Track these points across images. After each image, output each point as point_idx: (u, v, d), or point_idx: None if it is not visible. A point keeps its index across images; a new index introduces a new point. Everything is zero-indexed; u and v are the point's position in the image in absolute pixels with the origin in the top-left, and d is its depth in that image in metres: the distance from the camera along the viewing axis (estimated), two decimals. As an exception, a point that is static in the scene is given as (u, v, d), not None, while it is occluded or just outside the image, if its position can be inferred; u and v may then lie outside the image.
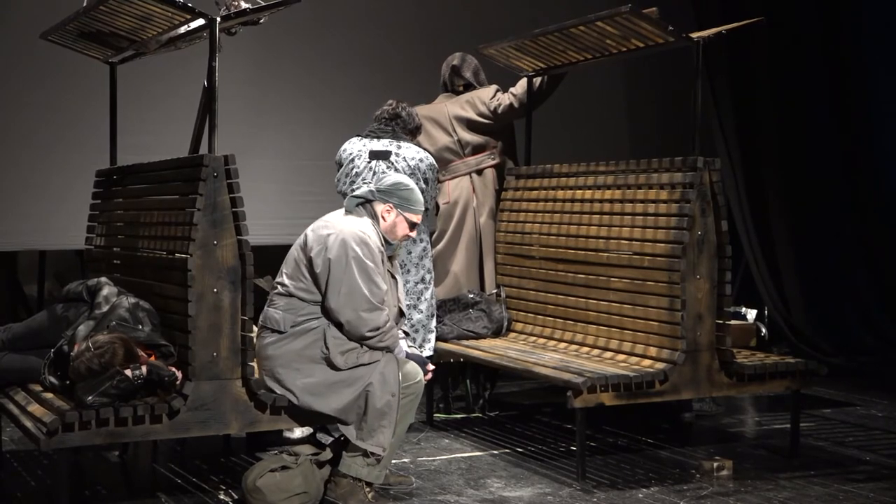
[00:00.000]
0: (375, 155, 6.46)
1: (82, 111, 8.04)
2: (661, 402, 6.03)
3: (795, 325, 9.25)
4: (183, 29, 5.66)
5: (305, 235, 5.37)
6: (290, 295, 5.30)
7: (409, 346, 5.57)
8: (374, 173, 6.39)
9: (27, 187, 8.16)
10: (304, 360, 5.24)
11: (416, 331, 6.59)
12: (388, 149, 6.49)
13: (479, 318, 7.02)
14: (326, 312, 5.27)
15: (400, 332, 5.49)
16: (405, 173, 6.50)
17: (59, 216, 8.09)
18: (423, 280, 6.62)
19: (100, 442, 5.04)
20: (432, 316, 6.70)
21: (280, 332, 5.26)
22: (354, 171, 6.41)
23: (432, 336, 6.68)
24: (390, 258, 5.51)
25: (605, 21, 6.09)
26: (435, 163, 6.69)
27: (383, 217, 5.43)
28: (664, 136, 9.38)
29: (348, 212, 5.43)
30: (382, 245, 5.38)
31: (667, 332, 5.86)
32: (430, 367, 5.60)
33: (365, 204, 5.44)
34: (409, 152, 6.52)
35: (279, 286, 5.34)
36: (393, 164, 6.44)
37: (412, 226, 5.50)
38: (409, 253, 6.59)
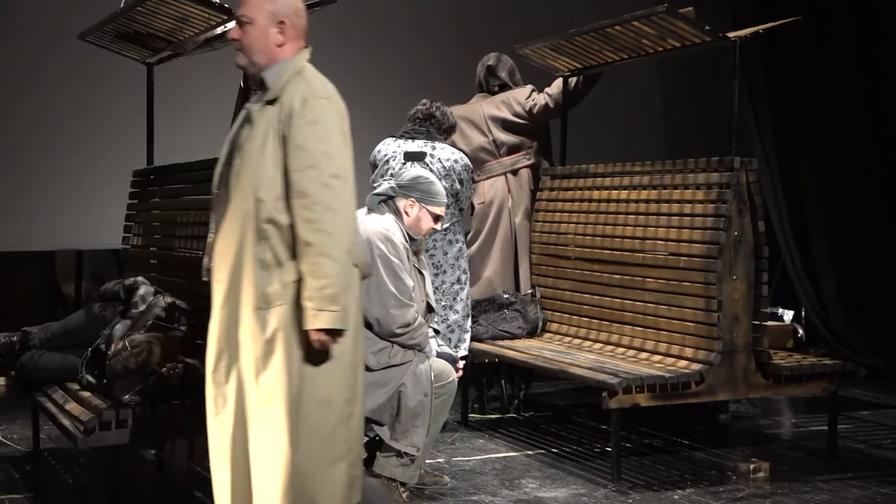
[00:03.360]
0: (410, 156, 6.47)
1: (119, 112, 8.11)
2: (696, 403, 6.01)
3: (833, 326, 9.18)
4: (220, 30, 5.70)
5: None
6: None
7: (440, 345, 5.57)
8: (409, 175, 6.39)
9: (65, 188, 8.23)
10: None
11: (452, 331, 6.59)
12: (423, 150, 6.49)
13: (514, 319, 7.02)
14: None
15: (430, 330, 5.49)
16: (440, 174, 6.50)
17: (96, 216, 8.16)
18: (458, 280, 6.63)
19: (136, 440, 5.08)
20: (468, 316, 6.70)
21: None
22: (389, 172, 6.41)
23: (467, 336, 6.68)
24: (415, 253, 5.51)
25: (642, 21, 6.07)
26: (470, 163, 6.69)
27: (406, 212, 5.44)
28: (700, 135, 9.35)
29: (370, 210, 5.43)
30: (407, 241, 5.38)
31: (703, 333, 5.84)
32: (461, 364, 5.60)
33: (387, 201, 5.45)
34: (444, 153, 6.52)
35: None
36: (428, 165, 6.44)
37: (436, 218, 5.50)
38: (446, 254, 6.59)
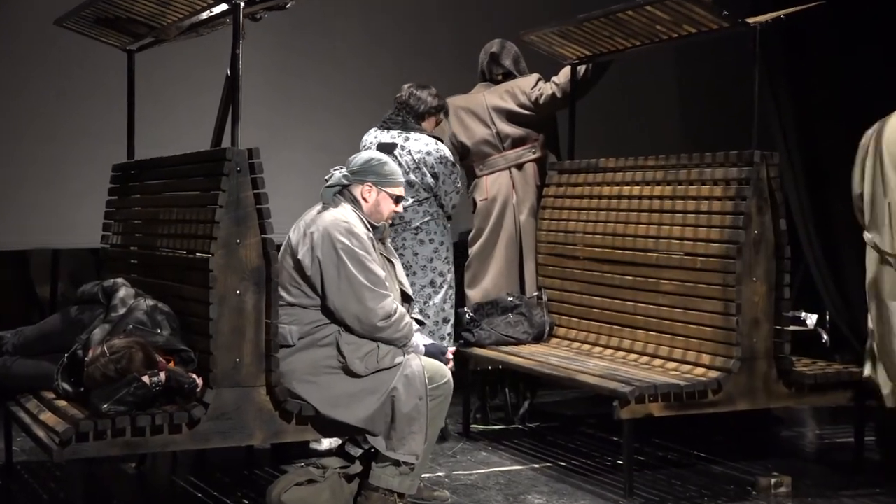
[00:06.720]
0: (382, 148, 6.45)
1: (98, 102, 8.11)
2: (714, 413, 6.01)
3: (860, 331, 9.18)
4: (205, 14, 5.69)
5: (288, 239, 5.39)
6: (291, 305, 5.29)
7: (426, 340, 5.54)
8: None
9: (40, 183, 8.23)
10: (321, 372, 5.23)
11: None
12: (395, 141, 6.49)
13: (518, 323, 7.01)
14: (331, 315, 5.26)
15: (413, 322, 5.46)
16: (409, 168, 6.49)
17: (73, 213, 8.15)
18: (431, 283, 6.60)
19: (116, 453, 5.07)
20: (447, 321, 6.66)
21: (289, 346, 5.26)
22: None
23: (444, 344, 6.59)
24: (380, 241, 5.50)
25: (655, 5, 6.08)
26: (447, 154, 6.66)
27: (364, 198, 5.44)
28: (718, 128, 9.35)
29: (325, 204, 5.42)
30: (369, 230, 5.38)
31: (721, 339, 5.84)
32: (450, 354, 5.56)
33: (342, 191, 5.44)
34: (417, 145, 6.52)
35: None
36: (396, 157, 6.39)
37: (396, 200, 5.50)
38: (416, 254, 6.59)
